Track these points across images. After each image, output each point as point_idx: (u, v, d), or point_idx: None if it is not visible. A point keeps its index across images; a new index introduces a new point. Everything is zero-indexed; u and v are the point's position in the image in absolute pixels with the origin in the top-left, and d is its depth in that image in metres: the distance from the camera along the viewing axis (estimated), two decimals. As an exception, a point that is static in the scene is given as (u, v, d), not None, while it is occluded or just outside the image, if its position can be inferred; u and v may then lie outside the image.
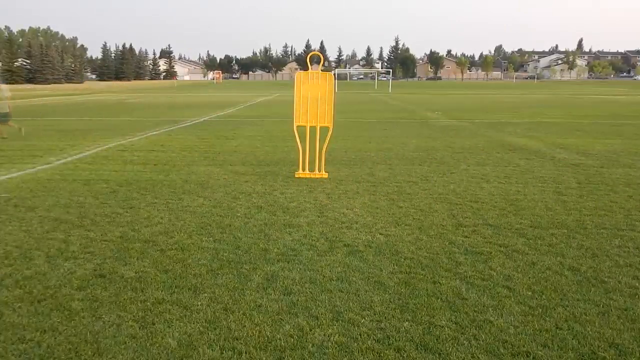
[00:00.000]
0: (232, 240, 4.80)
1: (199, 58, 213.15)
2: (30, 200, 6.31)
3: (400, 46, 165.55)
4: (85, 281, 3.84)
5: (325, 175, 7.84)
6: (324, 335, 3.07)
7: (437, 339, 3.02)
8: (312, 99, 7.89)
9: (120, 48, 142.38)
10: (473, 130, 14.66)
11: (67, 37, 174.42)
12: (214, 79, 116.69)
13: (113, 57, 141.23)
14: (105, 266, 4.14)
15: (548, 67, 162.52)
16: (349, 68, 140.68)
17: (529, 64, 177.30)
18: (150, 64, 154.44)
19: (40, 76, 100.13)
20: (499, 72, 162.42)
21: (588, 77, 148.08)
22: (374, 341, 3.00)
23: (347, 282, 3.84)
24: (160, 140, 12.24)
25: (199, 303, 3.48)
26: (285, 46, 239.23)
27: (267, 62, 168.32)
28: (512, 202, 6.23)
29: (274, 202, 6.24)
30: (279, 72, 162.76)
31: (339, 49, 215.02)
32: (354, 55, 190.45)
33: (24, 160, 9.26)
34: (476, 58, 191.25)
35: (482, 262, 4.25)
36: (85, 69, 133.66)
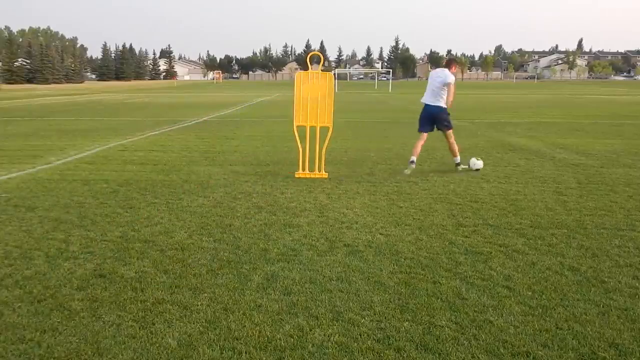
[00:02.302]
0: (232, 240, 4.80)
1: (199, 58, 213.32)
2: (30, 200, 6.31)
3: (400, 46, 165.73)
4: (85, 281, 3.84)
5: (325, 175, 7.84)
6: (324, 335, 3.07)
7: (437, 339, 3.02)
8: (312, 99, 7.88)
9: (120, 48, 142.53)
10: (473, 130, 14.65)
11: (67, 37, 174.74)
12: (214, 79, 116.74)
13: (113, 57, 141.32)
14: (105, 266, 4.14)
15: (548, 67, 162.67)
16: (349, 68, 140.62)
17: (529, 64, 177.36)
18: (150, 64, 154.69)
19: (40, 76, 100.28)
20: (499, 72, 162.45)
21: (588, 77, 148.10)
22: (374, 341, 3.00)
23: (347, 282, 3.84)
24: (160, 140, 12.24)
25: (199, 303, 3.48)
26: (285, 46, 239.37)
27: (267, 62, 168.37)
28: (512, 202, 6.23)
29: (274, 202, 6.23)
30: (279, 72, 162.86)
31: (339, 49, 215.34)
32: (354, 55, 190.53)
33: (24, 160, 9.26)
34: (476, 58, 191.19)
35: (482, 262, 4.25)
36: (85, 69, 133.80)
